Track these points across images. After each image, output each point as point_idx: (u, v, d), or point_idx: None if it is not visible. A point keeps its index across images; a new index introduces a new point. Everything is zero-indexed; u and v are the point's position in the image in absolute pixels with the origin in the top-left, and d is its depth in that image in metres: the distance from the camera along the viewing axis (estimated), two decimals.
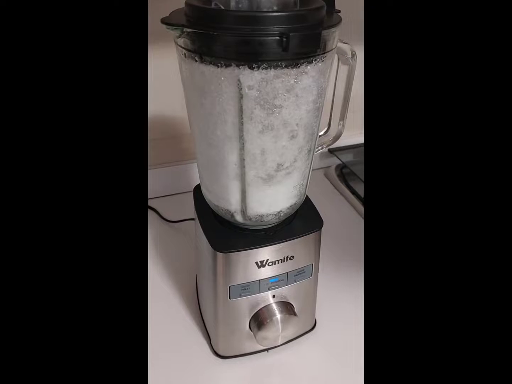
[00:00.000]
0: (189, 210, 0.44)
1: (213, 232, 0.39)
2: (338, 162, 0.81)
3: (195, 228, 0.44)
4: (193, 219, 0.45)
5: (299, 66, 0.28)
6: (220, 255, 0.38)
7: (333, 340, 0.49)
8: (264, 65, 0.27)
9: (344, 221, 0.70)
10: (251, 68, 0.27)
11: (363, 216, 0.70)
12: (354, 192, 0.75)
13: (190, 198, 0.45)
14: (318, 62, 0.29)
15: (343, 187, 0.78)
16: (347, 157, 0.81)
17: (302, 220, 0.41)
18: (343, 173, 0.81)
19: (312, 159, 0.37)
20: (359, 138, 0.84)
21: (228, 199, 0.36)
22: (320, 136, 0.43)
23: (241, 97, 0.28)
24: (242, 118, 0.30)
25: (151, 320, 0.49)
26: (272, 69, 0.27)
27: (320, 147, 0.43)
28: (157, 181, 0.70)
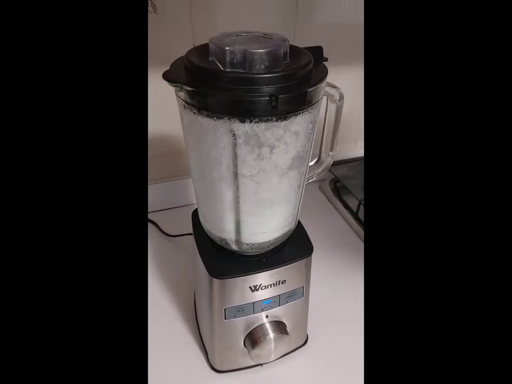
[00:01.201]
0: (188, 224, 0.47)
1: (210, 258, 0.42)
2: (332, 176, 0.83)
3: (193, 250, 0.47)
4: (191, 233, 0.47)
5: (287, 119, 0.30)
6: (216, 281, 0.41)
7: (324, 354, 0.52)
8: (256, 119, 0.29)
9: (336, 234, 0.72)
10: (243, 122, 0.29)
11: (354, 229, 0.73)
12: (346, 206, 0.78)
13: (188, 212, 0.47)
14: (305, 113, 0.31)
15: (336, 200, 0.80)
16: (341, 172, 0.83)
17: (294, 246, 0.44)
18: (337, 187, 0.83)
19: (302, 191, 0.40)
20: (353, 152, 0.87)
21: (223, 229, 0.39)
22: (311, 166, 0.45)
23: (234, 145, 0.31)
24: (236, 162, 0.32)
25: (149, 333, 0.51)
26: (263, 123, 0.30)
27: (310, 177, 0.46)
28: (157, 195, 0.73)
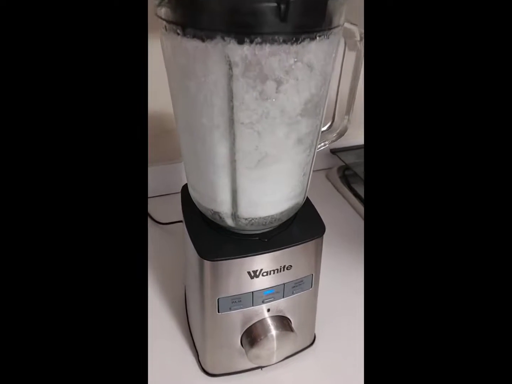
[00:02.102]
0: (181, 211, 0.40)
1: (201, 237, 0.35)
2: (341, 163, 0.77)
3: (184, 233, 0.39)
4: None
5: (300, 42, 0.23)
6: (207, 263, 0.33)
7: (334, 356, 0.45)
8: (258, 39, 0.22)
9: (346, 225, 0.66)
10: (241, 42, 0.22)
11: None
12: (357, 195, 0.71)
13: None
14: (322, 39, 0.24)
15: (345, 189, 0.74)
16: (350, 158, 0.76)
17: (302, 225, 0.37)
18: (346, 175, 0.77)
19: (314, 156, 0.33)
20: (361, 139, 0.80)
21: (216, 200, 0.32)
22: (323, 132, 0.38)
23: (230, 78, 0.24)
24: (232, 104, 0.25)
25: None
26: (268, 45, 0.22)
27: (322, 144, 0.38)
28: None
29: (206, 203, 0.33)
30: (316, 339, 0.46)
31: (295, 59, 0.24)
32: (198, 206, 0.35)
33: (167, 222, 0.62)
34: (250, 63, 0.23)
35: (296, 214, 0.37)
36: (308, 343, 0.45)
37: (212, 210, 0.33)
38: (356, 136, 0.80)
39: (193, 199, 0.35)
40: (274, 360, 0.40)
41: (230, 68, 0.24)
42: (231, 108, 0.25)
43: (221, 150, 0.28)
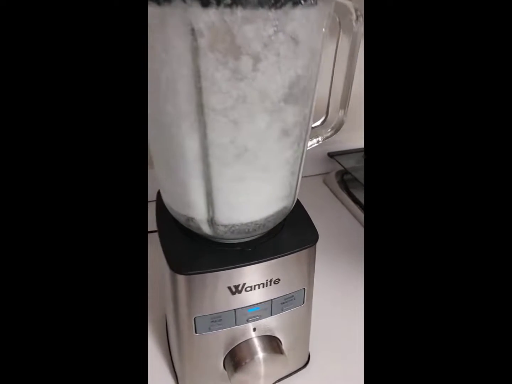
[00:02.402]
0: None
1: (174, 248, 0.30)
2: (339, 167, 0.72)
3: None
4: None
5: (281, 6, 0.19)
6: (180, 277, 0.29)
7: (330, 379, 0.40)
8: (227, 0, 0.18)
9: (345, 233, 0.61)
10: (206, 5, 0.18)
11: None
12: (356, 201, 0.66)
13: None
14: (309, 5, 0.20)
15: (344, 195, 0.69)
16: (349, 163, 0.72)
17: (291, 232, 0.32)
18: (344, 180, 0.72)
19: (303, 152, 0.28)
20: (361, 142, 0.76)
21: (190, 204, 0.27)
22: (316, 127, 0.34)
23: (196, 52, 0.20)
24: (200, 86, 0.21)
25: None
26: (239, 8, 0.18)
27: (316, 141, 0.34)
28: None
29: (179, 208, 0.28)
30: (311, 359, 0.41)
31: (275, 28, 0.19)
32: (171, 212, 0.30)
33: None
34: (218, 32, 0.19)
35: (285, 220, 0.33)
36: (302, 364, 0.41)
37: (185, 216, 0.28)
38: (355, 139, 0.76)
39: (166, 204, 0.30)
40: None
41: (195, 39, 0.19)
42: (199, 91, 0.21)
43: (191, 144, 0.23)
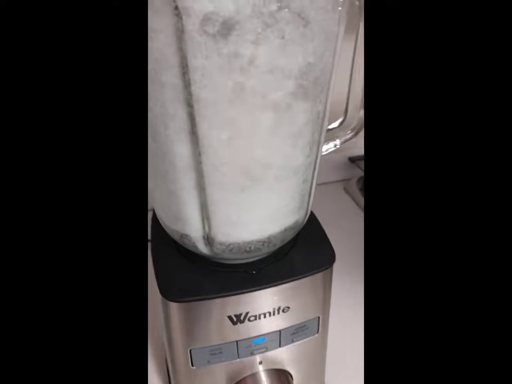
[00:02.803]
0: None
1: (166, 269, 0.26)
2: (361, 173, 0.67)
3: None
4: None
5: None
6: (173, 305, 0.25)
7: None
8: None
9: None
10: None
11: None
12: None
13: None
14: None
15: None
16: None
17: (304, 252, 0.28)
18: None
19: (317, 157, 0.24)
20: None
21: (182, 218, 0.23)
22: (334, 129, 0.30)
23: (181, 36, 0.16)
24: (188, 77, 0.17)
25: None
26: None
27: (332, 144, 0.30)
28: None
29: (172, 223, 0.25)
30: None
31: (279, 4, 0.15)
32: (165, 228, 0.26)
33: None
34: (207, 9, 0.15)
35: (297, 236, 0.28)
36: None
37: (179, 232, 0.24)
38: None
39: (159, 219, 0.26)
40: None
41: (180, 20, 0.15)
42: (187, 84, 0.17)
43: (181, 148, 0.19)
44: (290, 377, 0.31)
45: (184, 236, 0.24)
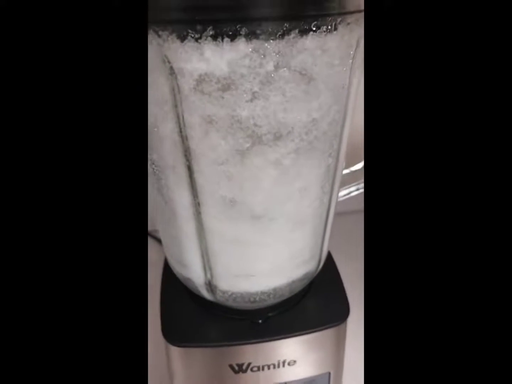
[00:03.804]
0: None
1: (172, 312, 0.26)
2: None
3: None
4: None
5: (283, 36, 0.14)
6: (174, 349, 0.24)
7: None
8: (209, 31, 0.13)
9: None
10: (183, 38, 0.14)
11: None
12: None
13: None
14: (324, 32, 0.15)
15: None
16: None
17: (315, 302, 0.26)
18: None
19: (330, 206, 0.22)
20: None
21: (185, 263, 0.23)
22: (352, 172, 0.28)
23: (176, 95, 0.15)
24: (185, 133, 0.17)
25: None
26: (226, 40, 0.14)
27: (355, 188, 0.28)
28: None
29: (176, 266, 0.24)
30: None
31: (276, 63, 0.15)
32: (173, 270, 0.26)
33: None
34: (201, 73, 0.15)
35: (310, 286, 0.27)
36: None
37: (183, 276, 0.24)
38: None
39: (168, 261, 0.26)
40: None
41: (175, 79, 0.15)
42: (185, 139, 0.17)
43: (181, 198, 0.19)
44: None
45: (187, 279, 0.24)
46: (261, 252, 0.21)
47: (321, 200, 0.21)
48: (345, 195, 0.28)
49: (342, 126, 0.19)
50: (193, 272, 0.23)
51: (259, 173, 0.18)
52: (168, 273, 0.28)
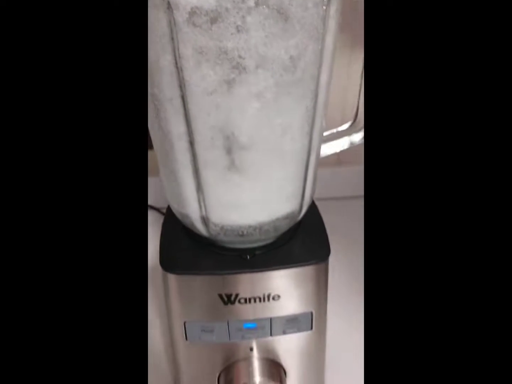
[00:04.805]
0: None
1: (171, 246, 0.29)
2: None
3: None
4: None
5: None
6: (171, 277, 0.27)
7: None
8: None
9: None
10: None
11: None
12: None
13: None
14: None
15: None
16: None
17: (299, 245, 0.29)
18: None
19: (310, 150, 0.25)
20: None
21: (181, 198, 0.26)
22: (343, 131, 0.30)
23: (172, 23, 0.18)
24: (180, 65, 0.19)
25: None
26: None
27: (341, 144, 0.30)
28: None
29: (176, 203, 0.27)
30: None
31: (257, 0, 0.17)
32: (172, 210, 0.29)
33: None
34: (193, 4, 0.17)
35: (296, 230, 0.29)
36: None
37: (181, 213, 0.27)
38: None
39: (167, 199, 0.29)
40: None
41: (171, 13, 0.18)
42: (180, 70, 0.20)
43: (176, 129, 0.22)
44: (282, 371, 0.31)
45: (185, 216, 0.27)
46: (247, 184, 0.24)
47: (301, 140, 0.24)
48: (334, 151, 0.30)
49: (319, 69, 0.22)
50: (189, 206, 0.25)
51: (244, 103, 0.20)
52: (169, 215, 0.31)
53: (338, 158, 0.61)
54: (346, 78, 0.50)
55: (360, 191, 0.66)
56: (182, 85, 0.20)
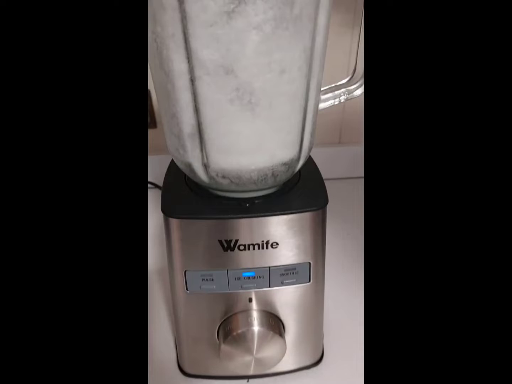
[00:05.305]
0: None
1: (173, 194, 0.29)
2: None
3: None
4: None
5: None
6: (172, 221, 0.28)
7: (347, 381, 0.35)
8: None
9: None
10: None
11: None
12: None
13: None
14: None
15: None
16: None
17: (298, 195, 0.29)
18: None
19: (309, 95, 0.25)
20: None
21: (182, 143, 0.26)
22: (341, 84, 0.31)
23: None
24: None
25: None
26: None
27: (342, 93, 0.31)
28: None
29: (177, 152, 0.28)
30: (325, 356, 0.37)
31: None
32: (175, 160, 0.29)
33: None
34: None
35: (295, 183, 0.30)
36: (312, 361, 0.36)
37: (182, 161, 0.27)
38: None
39: (169, 151, 0.30)
40: (252, 369, 0.31)
41: None
42: (181, 3, 0.20)
43: (179, 65, 0.22)
44: (280, 323, 0.32)
45: (187, 165, 0.27)
46: (245, 127, 0.24)
47: (299, 81, 0.24)
48: (333, 103, 0.31)
49: (317, 10, 0.22)
50: (189, 152, 0.26)
51: (242, 36, 0.21)
52: (172, 168, 0.32)
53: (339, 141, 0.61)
54: (349, 39, 0.51)
55: (361, 172, 0.67)
56: (183, 19, 0.21)
